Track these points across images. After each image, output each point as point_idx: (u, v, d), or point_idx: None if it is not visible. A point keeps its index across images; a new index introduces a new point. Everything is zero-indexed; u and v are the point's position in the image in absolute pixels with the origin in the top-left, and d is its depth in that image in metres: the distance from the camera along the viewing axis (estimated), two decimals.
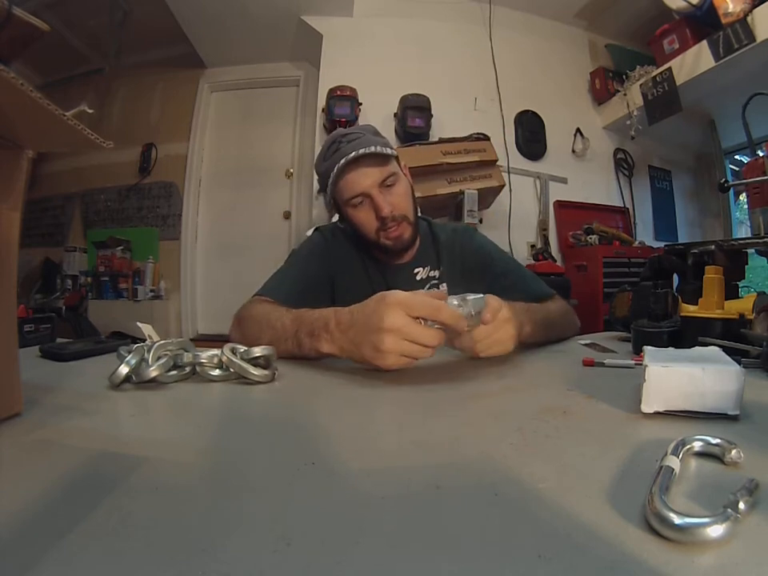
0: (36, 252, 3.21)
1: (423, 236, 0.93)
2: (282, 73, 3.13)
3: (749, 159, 1.52)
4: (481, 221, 2.43)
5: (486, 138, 2.49)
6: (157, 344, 0.46)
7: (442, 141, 2.43)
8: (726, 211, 3.18)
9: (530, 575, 0.17)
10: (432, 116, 2.56)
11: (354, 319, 0.52)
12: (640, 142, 2.99)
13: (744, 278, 1.08)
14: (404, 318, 0.47)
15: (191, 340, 0.51)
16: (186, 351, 0.48)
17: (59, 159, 3.22)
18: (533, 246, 2.80)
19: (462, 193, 2.29)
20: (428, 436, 0.33)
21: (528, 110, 2.88)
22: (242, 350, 0.48)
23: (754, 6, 2.03)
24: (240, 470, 0.27)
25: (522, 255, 2.74)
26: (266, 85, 3.16)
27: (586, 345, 0.71)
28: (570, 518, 0.21)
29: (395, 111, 2.56)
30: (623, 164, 3.10)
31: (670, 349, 0.41)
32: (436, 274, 0.91)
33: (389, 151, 0.81)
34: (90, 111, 2.75)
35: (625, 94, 2.81)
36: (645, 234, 3.12)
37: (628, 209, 3.11)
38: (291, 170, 3.11)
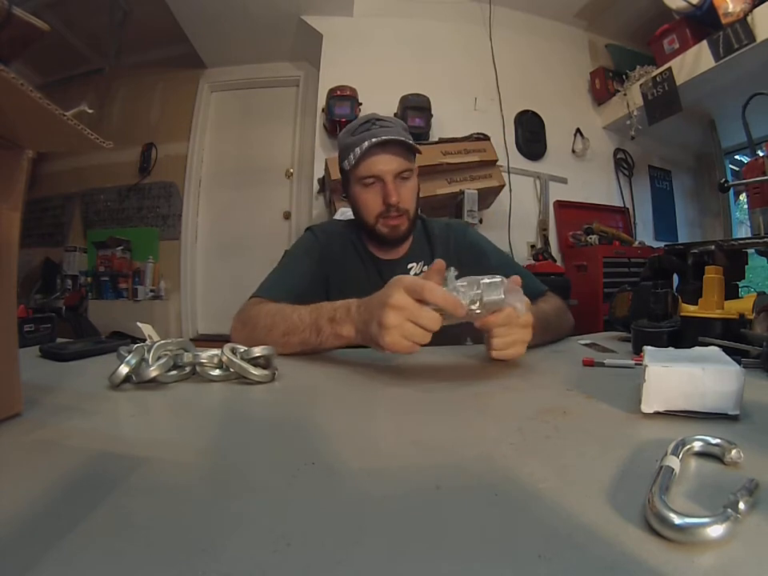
0: (36, 252, 3.21)
1: (417, 232, 0.95)
2: (281, 73, 3.13)
3: (749, 159, 1.52)
4: (481, 221, 2.43)
5: (486, 137, 2.49)
6: (157, 344, 0.46)
7: (441, 141, 2.43)
8: (726, 211, 3.18)
9: (530, 575, 0.17)
10: (432, 116, 2.56)
11: (371, 302, 0.54)
12: (640, 142, 2.99)
13: (744, 278, 1.08)
14: (407, 298, 0.48)
15: (191, 340, 0.51)
16: (186, 351, 0.48)
17: (59, 159, 3.22)
18: (533, 246, 2.80)
19: (461, 193, 2.29)
20: (428, 436, 0.33)
21: (528, 110, 2.88)
22: (242, 350, 0.48)
23: (754, 6, 2.03)
24: (240, 470, 0.27)
25: (522, 255, 2.74)
26: (265, 85, 3.16)
27: (586, 345, 0.71)
28: (570, 518, 0.21)
29: (395, 111, 2.56)
30: (623, 164, 3.10)
31: (670, 349, 0.41)
32: None
33: (415, 147, 0.85)
34: (90, 111, 2.75)
35: (625, 94, 2.81)
36: (645, 234, 3.12)
37: (628, 209, 3.11)
38: (291, 170, 3.11)
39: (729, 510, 0.19)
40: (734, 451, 0.26)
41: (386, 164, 0.83)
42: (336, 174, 0.98)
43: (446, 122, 2.63)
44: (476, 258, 0.92)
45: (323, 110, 2.58)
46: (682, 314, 0.63)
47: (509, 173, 2.69)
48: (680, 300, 0.64)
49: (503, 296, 0.48)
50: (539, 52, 2.94)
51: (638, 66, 2.75)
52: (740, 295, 1.01)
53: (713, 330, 0.58)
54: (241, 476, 0.26)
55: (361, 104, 2.52)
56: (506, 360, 0.56)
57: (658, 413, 0.34)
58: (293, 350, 0.62)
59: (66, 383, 0.49)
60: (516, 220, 2.71)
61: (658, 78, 2.53)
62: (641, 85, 2.65)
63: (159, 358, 0.46)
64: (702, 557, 0.18)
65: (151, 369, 0.44)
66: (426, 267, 0.93)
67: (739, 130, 1.44)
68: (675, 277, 1.09)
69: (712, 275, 0.61)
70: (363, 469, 0.27)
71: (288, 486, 0.25)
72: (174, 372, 0.47)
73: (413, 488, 0.25)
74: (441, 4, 2.75)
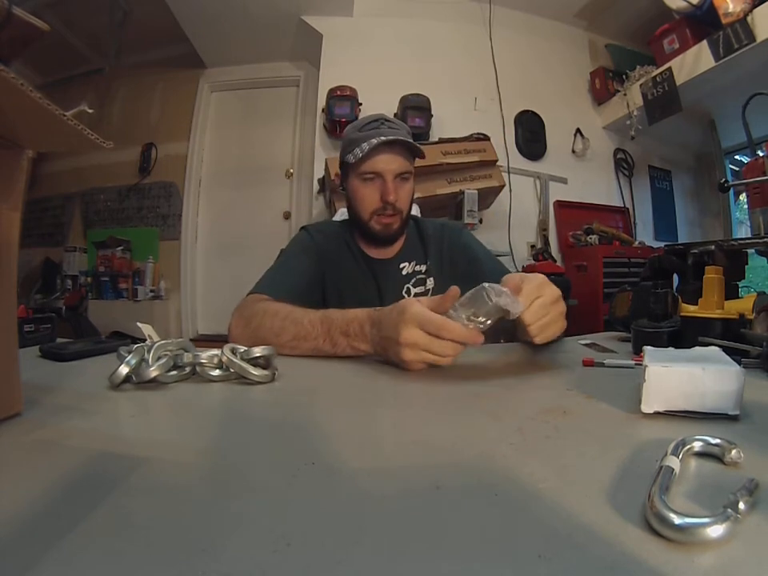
0: (36, 252, 3.21)
1: (410, 232, 0.97)
2: (281, 73, 3.13)
3: (749, 159, 1.52)
4: (481, 221, 2.43)
5: (486, 137, 2.49)
6: (157, 344, 0.46)
7: (441, 141, 2.43)
8: (726, 211, 3.18)
9: (530, 575, 0.17)
10: (432, 116, 2.56)
11: (382, 326, 0.55)
12: (640, 142, 2.99)
13: (744, 278, 1.08)
14: (418, 332, 0.50)
15: (191, 340, 0.51)
16: (186, 351, 0.48)
17: (59, 159, 3.22)
18: (533, 246, 2.80)
19: (461, 193, 2.29)
20: (428, 436, 0.33)
21: (528, 110, 2.88)
22: (242, 350, 0.48)
23: (754, 6, 2.03)
24: (240, 470, 0.27)
25: (522, 255, 2.74)
26: (266, 85, 3.16)
27: (586, 345, 0.71)
28: (570, 518, 0.21)
29: (395, 111, 2.56)
30: (623, 164, 3.10)
31: (670, 349, 0.41)
32: (422, 268, 0.94)
33: (419, 151, 0.89)
34: (90, 111, 2.75)
35: (625, 94, 2.81)
36: (645, 234, 3.12)
37: (628, 209, 3.11)
38: (291, 170, 3.11)
39: (729, 509, 0.19)
40: (734, 451, 0.25)
41: (389, 163, 0.85)
42: (336, 168, 0.99)
43: (446, 122, 2.63)
44: (468, 261, 0.93)
45: (323, 110, 2.58)
46: (682, 314, 0.63)
47: (509, 173, 2.69)
48: (680, 300, 0.64)
49: (510, 300, 0.48)
50: (539, 52, 2.94)
51: (638, 66, 2.75)
52: (740, 295, 1.01)
53: (713, 330, 0.58)
54: (241, 476, 0.26)
55: (361, 104, 2.52)
56: (550, 340, 0.56)
57: (657, 413, 0.34)
58: (301, 354, 0.62)
59: (66, 383, 0.49)
60: (516, 220, 2.71)
61: (658, 78, 2.53)
62: (641, 85, 2.65)
63: (159, 358, 0.46)
64: (702, 557, 0.18)
65: (151, 369, 0.44)
66: (418, 266, 0.94)
67: (739, 129, 1.44)
68: (675, 277, 1.09)
69: (712, 275, 0.61)
70: (363, 469, 0.27)
71: (288, 485, 0.25)
72: (174, 372, 0.47)
73: (413, 488, 0.25)
74: (441, 4, 2.75)
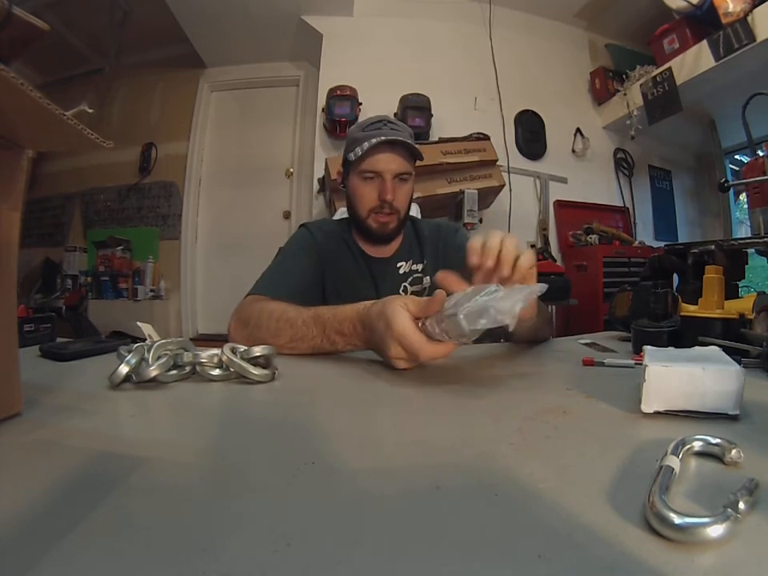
0: (36, 252, 3.21)
1: (407, 232, 0.98)
2: (281, 73, 3.13)
3: (749, 159, 1.52)
4: (481, 220, 2.43)
5: (486, 137, 2.49)
6: (157, 344, 0.46)
7: (441, 140, 2.43)
8: (726, 211, 3.18)
9: (529, 575, 0.17)
10: (432, 116, 2.56)
11: (374, 334, 0.55)
12: (640, 142, 2.99)
13: (744, 278, 1.08)
14: (402, 350, 0.51)
15: (191, 340, 0.51)
16: (186, 351, 0.48)
17: (59, 159, 3.22)
18: (533, 246, 2.80)
19: (461, 192, 2.29)
20: (428, 436, 0.33)
21: (528, 110, 2.88)
22: (241, 350, 0.48)
23: (754, 6, 2.03)
24: (240, 470, 0.27)
25: None
26: (265, 85, 3.16)
27: (586, 344, 0.71)
28: (570, 518, 0.21)
29: (395, 111, 2.56)
30: (623, 164, 3.10)
31: (670, 348, 0.40)
32: (419, 267, 0.96)
33: (419, 154, 0.91)
34: (90, 111, 2.75)
35: (625, 94, 2.81)
36: (645, 233, 3.12)
37: (628, 209, 3.11)
38: (291, 170, 3.11)
39: (729, 509, 0.19)
40: (733, 451, 0.25)
41: (389, 162, 0.87)
42: (337, 166, 1.00)
43: (446, 122, 2.63)
44: (463, 261, 0.92)
45: (323, 110, 2.58)
46: (682, 313, 0.63)
47: (509, 172, 2.69)
48: (680, 300, 0.64)
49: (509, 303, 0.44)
50: (539, 52, 2.94)
51: (638, 66, 2.75)
52: (740, 295, 1.01)
53: (713, 329, 0.58)
54: (241, 476, 0.26)
55: (361, 104, 2.52)
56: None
57: (657, 413, 0.34)
58: (300, 353, 0.63)
59: (66, 383, 0.49)
60: (516, 220, 2.71)
61: (658, 78, 2.53)
62: (641, 85, 2.65)
63: (159, 357, 0.46)
64: (702, 557, 0.18)
65: (151, 368, 0.44)
66: (414, 266, 0.96)
67: (739, 129, 1.44)
68: (675, 277, 1.09)
69: (712, 275, 0.61)
70: (363, 469, 0.27)
71: (288, 485, 0.25)
72: (173, 372, 0.47)
73: (413, 488, 0.25)
74: (441, 4, 2.75)
